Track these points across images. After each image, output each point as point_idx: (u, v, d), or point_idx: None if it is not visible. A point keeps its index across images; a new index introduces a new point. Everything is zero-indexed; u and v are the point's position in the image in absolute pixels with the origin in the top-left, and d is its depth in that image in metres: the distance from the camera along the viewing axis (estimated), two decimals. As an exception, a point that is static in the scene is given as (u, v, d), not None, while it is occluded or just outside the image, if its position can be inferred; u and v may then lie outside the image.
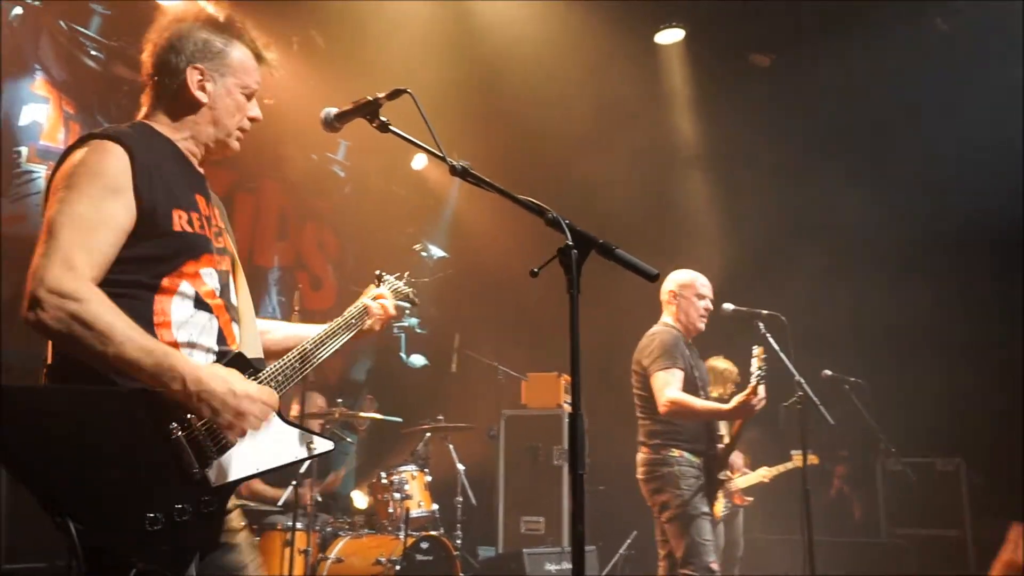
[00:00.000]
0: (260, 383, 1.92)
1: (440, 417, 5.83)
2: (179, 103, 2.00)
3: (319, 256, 7.92)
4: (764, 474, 5.73)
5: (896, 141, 6.71)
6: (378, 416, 5.71)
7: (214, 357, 1.89)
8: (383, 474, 5.32)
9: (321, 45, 6.65)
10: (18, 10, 5.30)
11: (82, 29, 5.76)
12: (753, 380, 3.90)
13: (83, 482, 1.59)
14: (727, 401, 4.22)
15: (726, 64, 7.00)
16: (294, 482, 4.84)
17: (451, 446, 5.90)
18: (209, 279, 1.93)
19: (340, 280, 7.96)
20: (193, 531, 1.70)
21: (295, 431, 2.00)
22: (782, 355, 4.29)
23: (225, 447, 1.79)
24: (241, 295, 2.09)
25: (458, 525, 5.71)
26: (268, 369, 1.99)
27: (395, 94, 2.13)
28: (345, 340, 2.29)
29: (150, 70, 2.01)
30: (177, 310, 1.84)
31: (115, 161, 1.79)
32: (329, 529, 5.20)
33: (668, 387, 4.01)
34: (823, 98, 6.84)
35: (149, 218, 1.81)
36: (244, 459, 1.84)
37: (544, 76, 6.68)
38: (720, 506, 4.68)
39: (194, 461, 1.72)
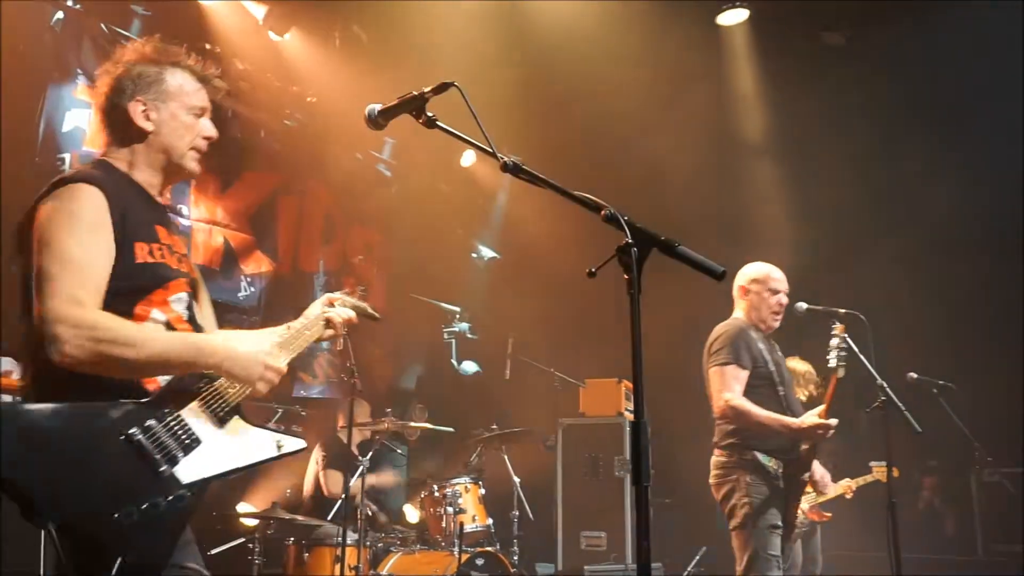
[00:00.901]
0: (216, 389, 2.15)
1: (494, 426, 5.85)
2: (129, 136, 2.22)
3: (367, 259, 8.01)
4: (846, 486, 5.59)
5: (984, 121, 6.49)
6: (429, 426, 5.75)
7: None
8: (435, 487, 5.36)
9: (364, 40, 6.74)
10: (60, 15, 5.49)
11: (123, 31, 5.94)
12: (832, 361, 3.81)
13: (57, 488, 1.84)
14: (810, 405, 4.12)
15: (796, 44, 6.87)
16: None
17: (506, 457, 5.91)
18: (176, 305, 2.18)
19: (389, 283, 8.05)
20: (168, 524, 1.97)
21: (262, 432, 2.23)
22: (862, 357, 4.17)
23: (190, 447, 2.05)
24: (204, 311, 2.35)
25: (514, 540, 5.71)
26: (222, 379, 2.16)
27: (442, 88, 2.14)
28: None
29: (100, 113, 2.24)
30: None
31: (92, 202, 2.03)
32: (380, 545, 5.26)
33: (727, 388, 3.96)
34: (903, 77, 6.66)
35: (120, 252, 2.06)
36: (214, 458, 2.09)
37: (597, 65, 6.64)
38: (797, 520, 4.57)
39: (160, 460, 1.98)
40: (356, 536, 4.92)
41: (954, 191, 6.59)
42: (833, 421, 3.88)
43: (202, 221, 6.47)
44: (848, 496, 5.60)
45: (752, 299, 4.25)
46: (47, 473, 1.84)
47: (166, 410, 2.04)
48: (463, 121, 2.14)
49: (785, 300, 4.26)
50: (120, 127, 2.22)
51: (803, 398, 5.53)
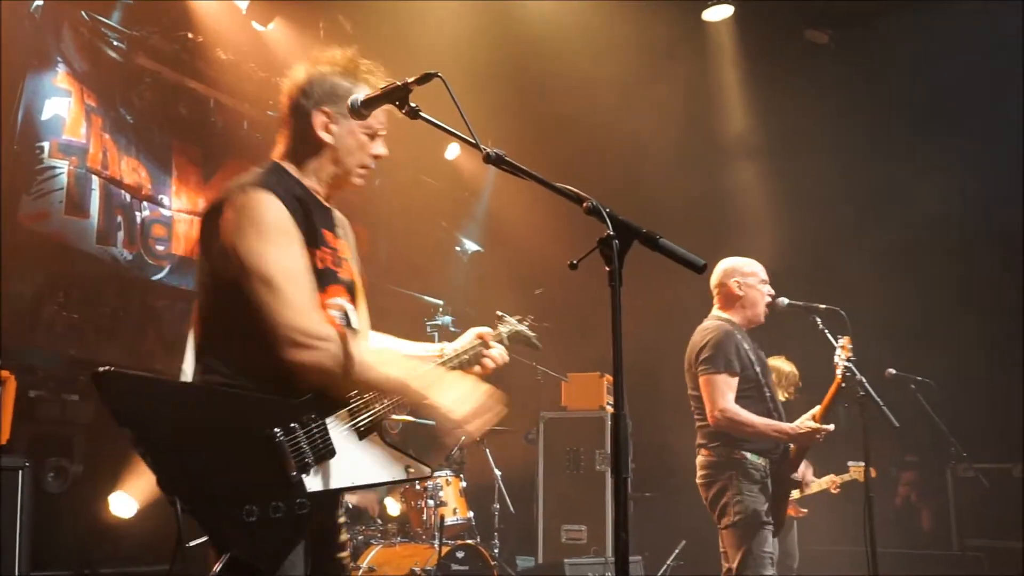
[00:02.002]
0: (367, 403, 2.17)
1: (476, 420, 5.83)
2: (307, 144, 2.28)
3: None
4: (831, 480, 5.62)
5: (968, 120, 6.54)
6: (410, 419, 5.74)
7: None
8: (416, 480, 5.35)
9: (349, 30, 6.70)
10: (39, 1, 5.42)
11: (104, 19, 5.88)
12: (839, 372, 3.81)
13: (192, 469, 1.88)
14: (788, 406, 4.13)
15: (780, 41, 6.90)
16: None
17: (487, 450, 5.92)
18: (335, 310, 2.21)
19: (372, 275, 8.00)
20: (285, 529, 1.94)
21: (395, 452, 2.20)
22: (835, 353, 4.19)
23: (324, 457, 2.04)
24: (360, 317, 2.36)
25: (495, 533, 5.72)
26: (372, 394, 2.18)
27: (425, 78, 2.12)
28: None
29: (284, 113, 2.32)
30: None
31: (281, 211, 2.09)
32: (361, 538, 5.25)
33: (721, 396, 3.92)
34: (886, 76, 6.70)
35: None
36: (343, 471, 2.08)
37: (582, 59, 6.64)
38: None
39: (292, 464, 1.97)
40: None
41: (935, 190, 6.64)
42: (829, 426, 3.88)
43: (184, 211, 6.41)
44: (834, 491, 5.64)
45: (749, 294, 4.18)
46: (180, 453, 1.88)
47: (312, 415, 2.04)
48: (447, 114, 2.13)
49: (773, 291, 4.24)
50: (299, 134, 2.28)
51: (782, 398, 5.55)
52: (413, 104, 2.16)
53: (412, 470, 2.20)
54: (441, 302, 8.29)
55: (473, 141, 2.09)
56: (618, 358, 1.69)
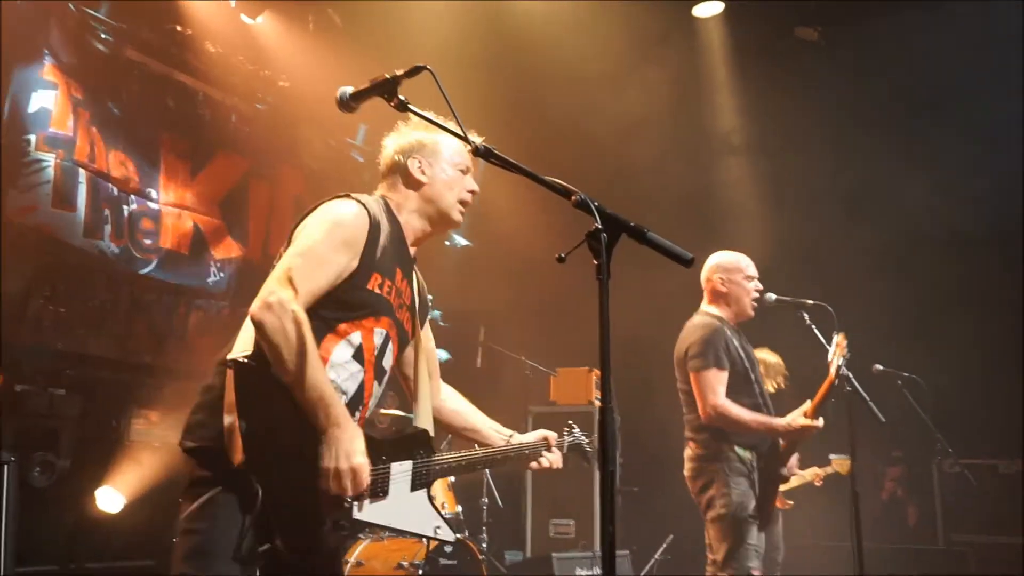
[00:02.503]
0: (430, 463, 2.42)
1: (464, 415, 5.83)
2: (407, 186, 2.51)
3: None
4: (815, 473, 5.65)
5: (957, 117, 6.57)
6: (399, 413, 5.74)
7: (345, 403, 2.24)
8: (405, 474, 5.35)
9: (338, 24, 6.68)
10: (25, -8, 5.38)
11: (92, 12, 5.84)
12: (832, 370, 3.83)
13: (281, 461, 2.07)
14: (776, 397, 4.14)
15: (770, 38, 6.91)
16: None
17: (476, 445, 5.91)
18: (377, 338, 2.35)
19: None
20: (322, 541, 2.14)
21: (432, 511, 2.41)
22: (829, 348, 4.21)
23: (377, 497, 2.25)
24: (420, 366, 2.56)
25: (483, 528, 5.74)
26: (438, 456, 2.45)
27: (414, 71, 2.13)
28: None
29: (386, 169, 2.55)
30: (338, 353, 2.26)
31: (359, 224, 2.28)
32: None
33: (712, 392, 3.93)
34: (875, 74, 6.73)
35: (358, 273, 2.27)
36: (385, 512, 2.28)
37: (572, 54, 6.64)
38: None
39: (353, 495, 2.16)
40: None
41: (923, 186, 6.68)
42: (819, 422, 3.89)
43: (171, 205, 6.38)
44: (817, 484, 5.67)
45: (733, 290, 4.18)
46: (273, 446, 2.06)
47: (383, 456, 2.26)
48: (437, 108, 2.14)
49: (760, 286, 4.24)
50: (400, 180, 2.51)
51: (771, 390, 5.58)
52: (402, 97, 2.16)
53: (439, 530, 2.41)
54: (431, 297, 8.28)
55: (462, 134, 2.09)
56: (605, 351, 1.69)
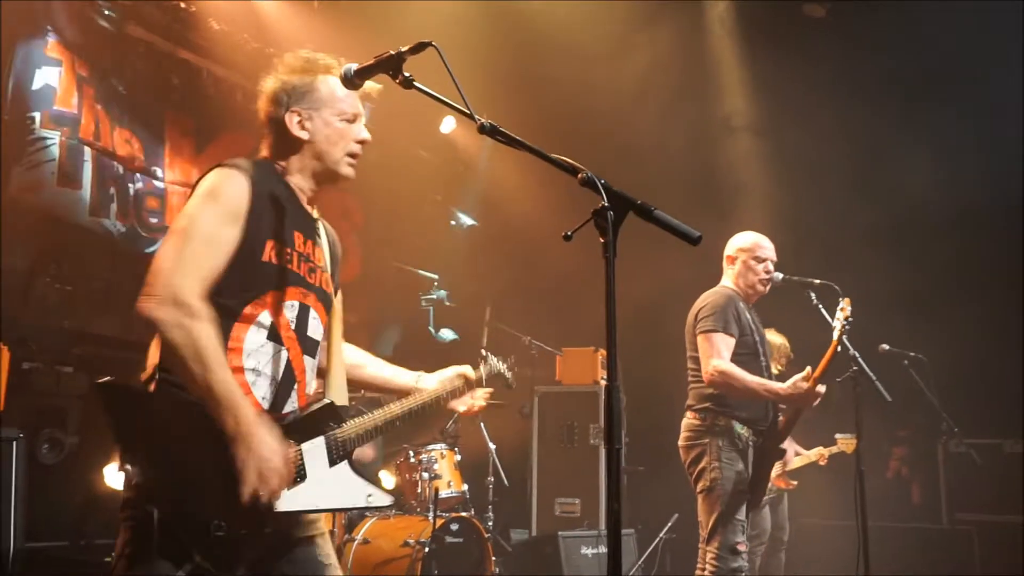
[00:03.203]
0: (340, 433, 2.23)
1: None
2: (287, 145, 2.31)
3: (343, 225, 7.94)
4: (819, 453, 5.66)
5: (960, 95, 6.51)
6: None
7: (275, 386, 2.15)
8: (411, 453, 5.37)
9: (343, 1, 6.62)
10: (28, -32, 5.34)
11: (94, -12, 5.80)
12: (836, 331, 3.84)
13: (172, 483, 1.94)
14: (783, 378, 4.15)
15: (776, 15, 6.84)
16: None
17: (482, 424, 5.93)
18: (289, 311, 2.19)
19: (365, 249, 8.00)
20: (249, 545, 2.03)
21: (360, 481, 2.27)
22: (834, 318, 4.20)
23: (295, 482, 2.09)
24: (333, 333, 2.35)
25: (489, 506, 5.76)
26: (350, 425, 2.27)
27: (419, 47, 2.10)
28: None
29: (263, 123, 2.35)
30: (250, 338, 2.11)
31: (238, 189, 2.11)
32: (355, 510, 5.28)
33: (716, 355, 3.97)
34: (883, 51, 6.65)
35: (247, 245, 2.10)
36: (309, 495, 2.13)
37: (577, 34, 6.59)
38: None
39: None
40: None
41: (929, 163, 6.63)
42: (821, 388, 3.90)
43: (176, 183, 6.37)
44: (822, 464, 5.68)
45: (739, 267, 4.28)
46: (164, 467, 1.94)
47: (292, 439, 2.10)
48: (444, 87, 2.11)
49: (772, 268, 4.29)
50: (278, 137, 2.31)
51: (775, 371, 5.58)
52: (407, 73, 2.14)
53: (372, 497, 2.27)
54: (436, 276, 8.29)
55: (468, 112, 2.07)
56: (611, 330, 1.68)
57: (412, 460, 5.34)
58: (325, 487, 2.17)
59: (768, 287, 4.30)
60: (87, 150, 5.71)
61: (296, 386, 2.20)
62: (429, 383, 2.57)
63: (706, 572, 3.89)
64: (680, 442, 4.14)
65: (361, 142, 2.36)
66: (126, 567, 1.96)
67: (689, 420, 4.12)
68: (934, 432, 6.70)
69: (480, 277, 8.03)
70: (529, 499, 6.89)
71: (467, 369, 2.65)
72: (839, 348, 3.94)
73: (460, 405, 2.63)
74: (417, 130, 8.00)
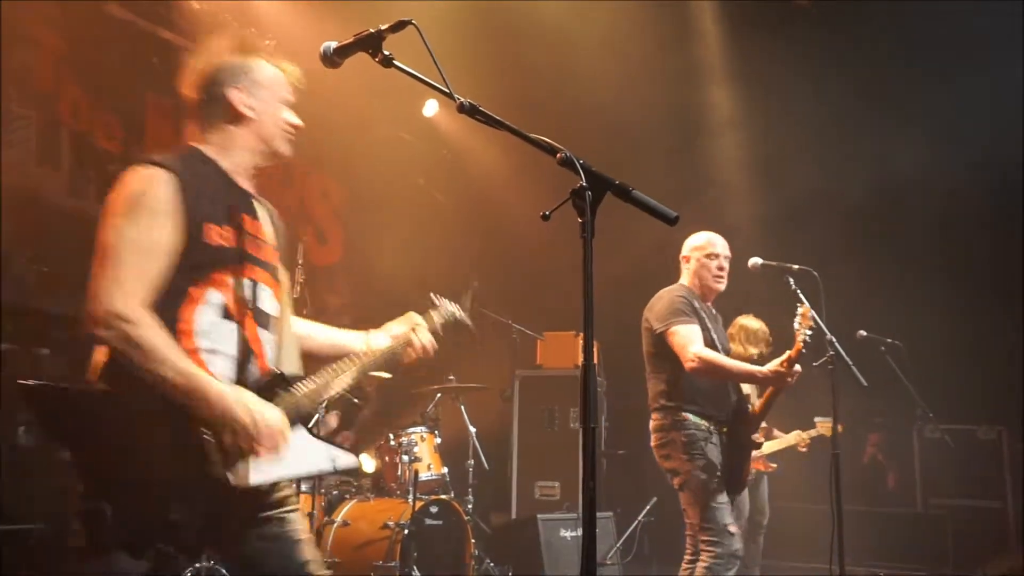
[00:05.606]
0: (292, 399, 2.20)
1: (451, 377, 5.86)
2: (225, 123, 2.28)
3: (324, 207, 7.91)
4: (799, 436, 5.71)
5: (941, 85, 6.55)
6: (386, 376, 5.74)
7: (235, 363, 2.14)
8: (391, 436, 5.37)
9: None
10: (4, -56, 5.25)
11: (75, -32, 5.71)
12: (799, 340, 3.86)
13: (121, 475, 1.94)
14: (760, 363, 4.18)
15: (763, 6, 6.83)
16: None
17: (462, 407, 5.94)
18: (239, 288, 2.18)
19: (347, 233, 7.96)
20: (212, 524, 2.03)
21: (321, 445, 2.25)
22: (813, 313, 4.24)
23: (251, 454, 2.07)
24: (283, 306, 2.34)
25: (469, 489, 5.78)
26: (301, 391, 2.24)
27: (399, 26, 2.10)
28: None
29: (195, 101, 2.31)
30: (200, 318, 2.10)
31: (162, 187, 2.08)
32: (335, 492, 5.28)
33: (692, 343, 3.99)
34: (869, 42, 6.67)
35: (188, 232, 2.09)
36: (269, 466, 2.10)
37: (561, 21, 6.56)
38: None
39: (220, 463, 2.01)
40: (311, 483, 4.93)
41: (912, 153, 6.66)
42: (797, 368, 3.93)
43: (156, 165, 6.30)
44: (802, 448, 5.73)
45: (694, 265, 4.32)
46: (113, 459, 1.93)
47: None
48: (425, 68, 2.10)
49: (725, 264, 4.31)
50: (216, 116, 2.28)
51: (756, 355, 5.63)
52: (387, 52, 2.13)
53: (337, 460, 2.25)
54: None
55: (447, 91, 2.06)
56: (589, 308, 1.69)
57: (392, 443, 5.35)
58: (287, 455, 2.13)
59: (723, 284, 4.31)
60: (65, 131, 5.64)
61: (256, 360, 2.19)
62: (380, 340, 2.54)
63: (706, 561, 3.91)
64: (652, 443, 4.19)
65: (295, 127, 2.38)
66: (85, 560, 1.97)
67: (653, 421, 4.18)
68: (910, 418, 6.79)
69: (462, 261, 8.02)
70: (509, 482, 6.92)
71: (417, 318, 2.63)
72: (803, 351, 3.93)
73: (411, 352, 2.58)
74: (399, 113, 7.95)
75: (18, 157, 5.39)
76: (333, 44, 2.17)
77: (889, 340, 5.58)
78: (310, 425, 2.26)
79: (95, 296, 1.98)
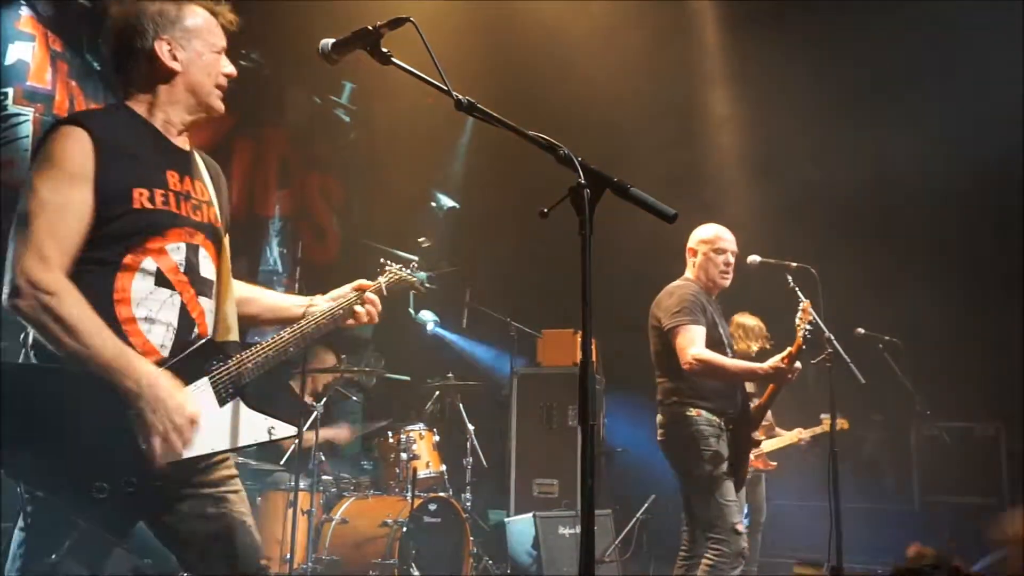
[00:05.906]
0: (230, 368, 2.14)
1: (449, 375, 5.86)
2: (154, 77, 2.17)
3: (323, 205, 7.89)
4: (798, 434, 5.71)
5: (937, 80, 6.55)
6: (385, 373, 5.75)
7: (173, 332, 2.08)
8: (390, 433, 5.37)
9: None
10: (0, -60, 5.24)
11: (68, -39, 5.69)
12: (799, 335, 3.86)
13: (40, 451, 1.86)
14: (757, 360, 4.19)
15: (760, 2, 6.84)
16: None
17: (461, 405, 5.94)
18: (175, 254, 2.10)
19: (345, 231, 7.95)
20: (139, 500, 1.93)
21: (256, 416, 2.17)
22: (811, 310, 4.24)
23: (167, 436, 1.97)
24: (222, 269, 2.23)
25: (467, 487, 5.78)
26: (237, 359, 2.16)
27: (396, 23, 2.09)
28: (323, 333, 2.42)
29: (116, 56, 2.20)
30: (137, 287, 2.03)
31: (78, 147, 1.97)
32: (334, 490, 5.28)
33: (692, 344, 3.99)
34: (868, 38, 6.67)
35: (111, 198, 1.99)
36: (203, 438, 2.02)
37: (558, 14, 6.55)
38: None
39: (145, 439, 1.93)
40: (309, 481, 4.93)
41: (910, 150, 6.66)
42: (797, 364, 3.95)
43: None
44: (801, 444, 5.73)
45: (700, 259, 4.29)
46: (31, 435, 1.86)
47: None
48: (424, 65, 2.10)
49: (732, 260, 4.30)
50: (143, 68, 2.17)
51: (754, 351, 5.63)
52: (385, 49, 2.12)
53: (275, 430, 2.19)
54: (415, 258, 8.23)
55: (446, 88, 2.06)
56: (587, 306, 1.69)
57: (391, 440, 5.35)
58: (216, 429, 2.08)
59: (729, 280, 4.30)
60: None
61: (196, 329, 2.13)
62: (322, 304, 2.45)
63: (711, 559, 3.92)
64: (658, 439, 4.18)
65: (228, 75, 2.28)
66: (22, 543, 1.92)
67: (661, 416, 4.18)
68: (907, 415, 6.79)
69: (461, 259, 8.01)
70: (507, 480, 6.91)
71: (363, 281, 2.56)
72: (803, 347, 3.94)
73: (351, 320, 2.49)
74: (397, 111, 7.93)
75: (13, 155, 5.37)
76: (331, 41, 2.16)
77: (887, 337, 5.58)
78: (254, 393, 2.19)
79: (15, 266, 1.89)
